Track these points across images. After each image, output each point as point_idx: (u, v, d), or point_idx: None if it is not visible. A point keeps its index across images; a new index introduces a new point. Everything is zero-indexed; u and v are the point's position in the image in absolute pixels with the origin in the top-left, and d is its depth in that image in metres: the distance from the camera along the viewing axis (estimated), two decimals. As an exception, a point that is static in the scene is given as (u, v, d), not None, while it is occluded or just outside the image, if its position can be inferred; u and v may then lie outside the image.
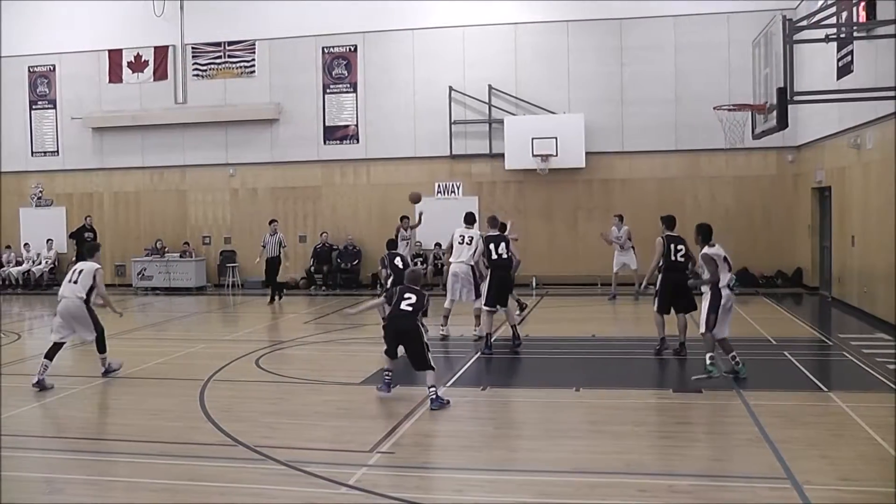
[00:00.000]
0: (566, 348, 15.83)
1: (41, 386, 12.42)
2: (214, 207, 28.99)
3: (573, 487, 8.09)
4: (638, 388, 12.11)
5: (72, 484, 8.39)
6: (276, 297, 24.15)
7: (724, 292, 12.48)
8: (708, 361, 12.38)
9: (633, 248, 23.01)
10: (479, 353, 15.04)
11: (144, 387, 12.88)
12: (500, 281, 15.60)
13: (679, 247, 14.42)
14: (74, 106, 29.60)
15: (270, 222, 24.91)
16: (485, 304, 15.61)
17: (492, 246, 15.74)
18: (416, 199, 20.28)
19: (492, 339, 15.38)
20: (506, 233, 16.62)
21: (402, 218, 22.33)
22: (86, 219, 28.45)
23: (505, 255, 15.69)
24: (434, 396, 11.07)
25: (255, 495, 7.99)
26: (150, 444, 9.66)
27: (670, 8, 25.90)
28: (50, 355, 12.80)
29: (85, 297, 13.12)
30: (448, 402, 11.15)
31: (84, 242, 27.69)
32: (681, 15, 25.85)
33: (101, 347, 13.40)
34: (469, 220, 17.25)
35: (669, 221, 14.77)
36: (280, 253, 24.29)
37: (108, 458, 9.32)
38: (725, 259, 12.62)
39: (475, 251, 16.35)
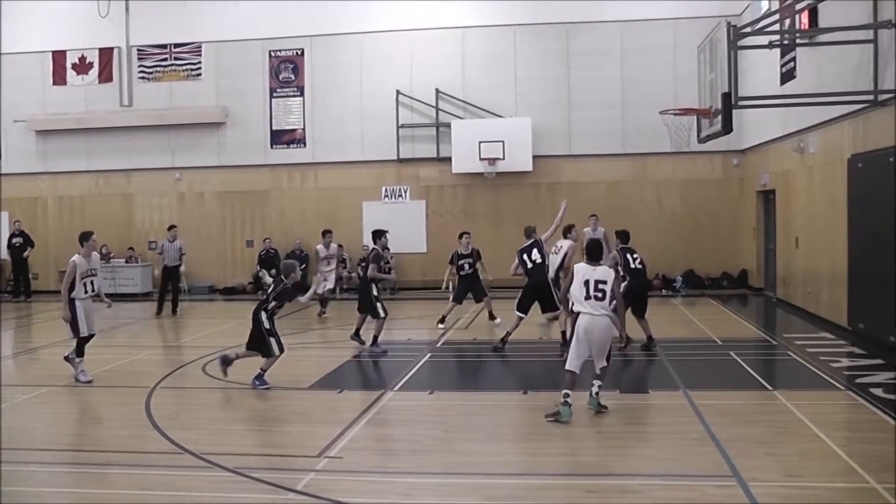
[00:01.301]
0: (514, 351, 15.85)
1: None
2: (161, 212, 28.63)
3: (522, 489, 8.11)
4: (586, 389, 12.14)
5: (14, 496, 8.20)
6: (174, 309, 22.66)
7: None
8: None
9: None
10: (427, 356, 15.03)
11: (90, 395, 12.70)
12: (530, 287, 16.09)
13: (635, 255, 15.34)
14: (17, 109, 29.03)
15: (169, 228, 23.37)
16: (516, 309, 16.15)
17: (525, 256, 16.10)
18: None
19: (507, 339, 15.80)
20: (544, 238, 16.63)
21: (325, 233, 21.80)
22: (14, 223, 27.94)
23: (539, 261, 16.00)
24: None
25: (202, 503, 7.90)
26: (95, 453, 9.54)
27: (617, 13, 26.10)
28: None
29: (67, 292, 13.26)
30: None
31: (14, 249, 27.37)
32: (627, 20, 26.07)
33: (78, 352, 13.36)
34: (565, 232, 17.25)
35: (624, 235, 15.75)
36: (181, 261, 23.04)
37: (52, 468, 9.14)
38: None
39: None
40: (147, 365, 14.88)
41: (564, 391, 10.52)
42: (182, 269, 23.24)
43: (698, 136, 18.26)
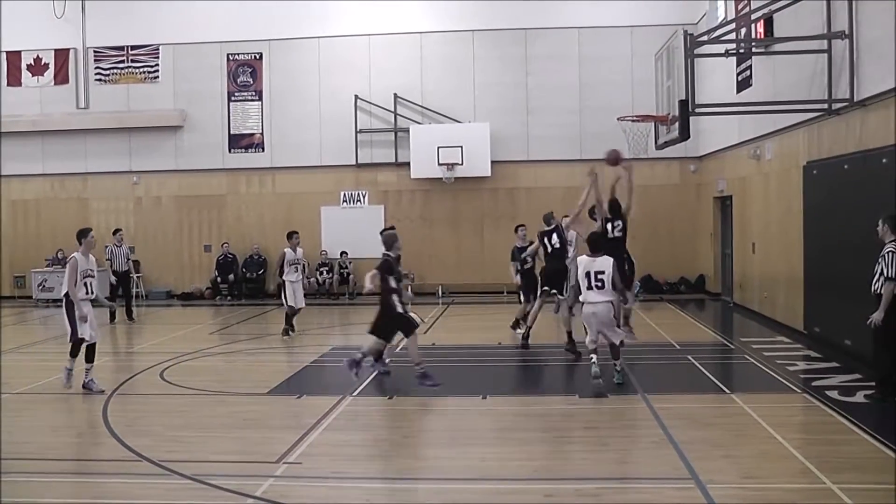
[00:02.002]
0: (473, 356, 15.88)
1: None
2: (118, 216, 28.25)
3: (480, 494, 8.12)
4: (544, 394, 12.21)
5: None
6: (129, 314, 22.12)
7: None
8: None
9: None
10: (387, 361, 15.00)
11: (45, 402, 12.51)
12: (551, 270, 16.15)
13: (553, 238, 16.09)
14: (-31, 110, 28.64)
15: (115, 232, 22.76)
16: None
17: (546, 240, 16.25)
18: (613, 159, 16.15)
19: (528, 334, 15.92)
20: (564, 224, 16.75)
21: (292, 234, 18.71)
22: None
23: (558, 246, 16.17)
24: None
25: (160, 510, 7.83)
26: (51, 462, 9.38)
27: (575, 20, 26.26)
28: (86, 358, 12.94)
29: (64, 294, 13.01)
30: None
31: None
32: (585, 27, 26.23)
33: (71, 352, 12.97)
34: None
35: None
36: (129, 266, 22.72)
37: (7, 478, 8.94)
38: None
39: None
40: (103, 371, 14.64)
41: (591, 355, 12.45)
42: (132, 274, 22.93)
43: (656, 142, 18.41)
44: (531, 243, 17.53)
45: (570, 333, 15.15)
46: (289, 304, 18.07)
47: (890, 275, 10.68)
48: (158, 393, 13.07)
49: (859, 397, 11.41)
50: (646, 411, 11.04)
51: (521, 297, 17.71)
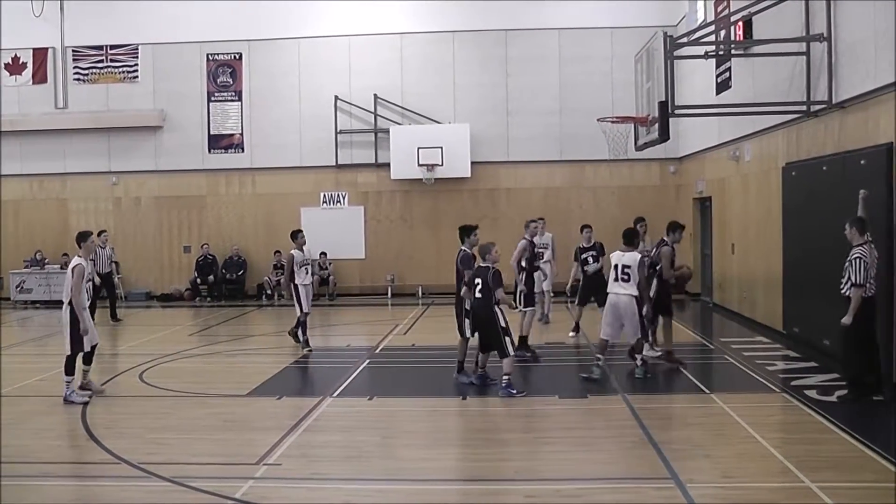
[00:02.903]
0: (452, 357, 15.86)
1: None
2: (97, 217, 28.12)
3: (462, 496, 8.14)
4: (524, 395, 12.20)
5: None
6: (113, 315, 22.04)
7: None
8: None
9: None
10: (366, 362, 14.99)
11: (24, 405, 12.39)
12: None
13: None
14: (-54, 110, 28.41)
15: (99, 233, 21.45)
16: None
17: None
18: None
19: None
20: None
21: (297, 233, 17.27)
22: None
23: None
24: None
25: (139, 512, 7.79)
26: (30, 465, 9.32)
27: (554, 21, 26.30)
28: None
29: (68, 299, 12.36)
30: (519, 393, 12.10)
31: None
32: (565, 28, 26.27)
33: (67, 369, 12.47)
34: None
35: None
36: (112, 268, 22.60)
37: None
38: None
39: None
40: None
41: (597, 354, 13.25)
42: (115, 276, 22.80)
43: (636, 143, 18.44)
44: (597, 245, 17.86)
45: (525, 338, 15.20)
46: (304, 310, 16.53)
47: (857, 281, 10.80)
48: (138, 395, 13.01)
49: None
50: (625, 411, 11.07)
51: (577, 302, 17.91)
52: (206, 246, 27.08)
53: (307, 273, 16.97)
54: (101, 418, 11.33)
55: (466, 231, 13.65)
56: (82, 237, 12.93)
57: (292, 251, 16.82)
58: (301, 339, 16.58)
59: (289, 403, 12.06)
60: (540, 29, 26.39)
